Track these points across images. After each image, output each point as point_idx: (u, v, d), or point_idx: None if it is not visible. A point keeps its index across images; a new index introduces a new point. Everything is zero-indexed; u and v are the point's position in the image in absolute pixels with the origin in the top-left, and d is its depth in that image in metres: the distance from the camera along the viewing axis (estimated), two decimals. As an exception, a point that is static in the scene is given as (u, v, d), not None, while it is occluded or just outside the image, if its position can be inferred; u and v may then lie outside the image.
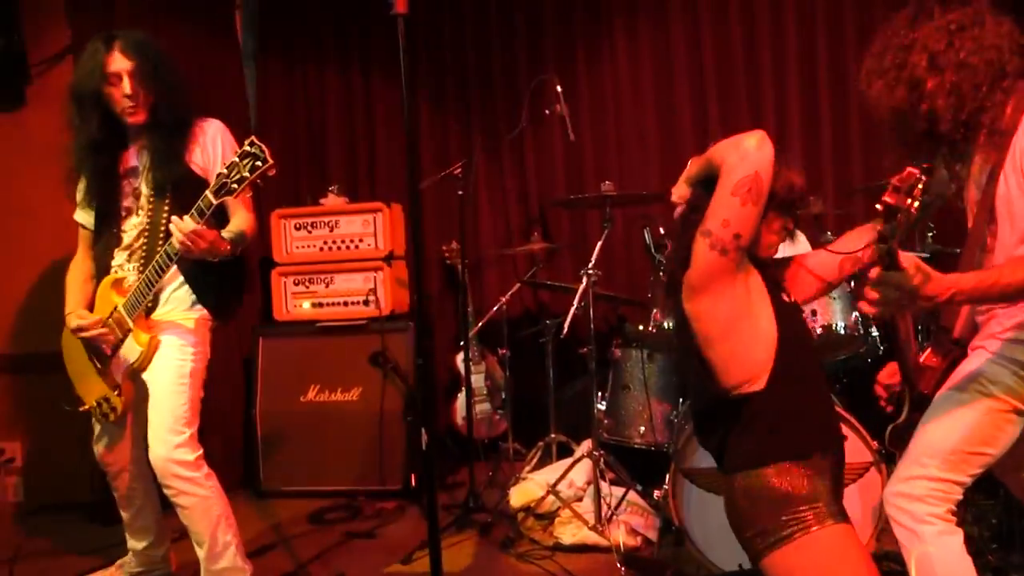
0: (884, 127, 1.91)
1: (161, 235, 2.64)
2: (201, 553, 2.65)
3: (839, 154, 4.21)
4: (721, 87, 4.32)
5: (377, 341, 3.99)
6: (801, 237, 3.73)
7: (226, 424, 4.29)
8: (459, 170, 3.41)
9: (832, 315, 2.84)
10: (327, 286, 4.18)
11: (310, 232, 4.19)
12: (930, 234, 3.49)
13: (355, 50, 4.64)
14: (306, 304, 4.19)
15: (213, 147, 2.71)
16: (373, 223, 4.14)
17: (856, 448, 2.63)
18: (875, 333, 3.03)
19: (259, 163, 2.33)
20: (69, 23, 3.94)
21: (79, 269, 2.87)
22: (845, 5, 4.16)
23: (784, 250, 3.63)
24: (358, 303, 4.13)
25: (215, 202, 2.41)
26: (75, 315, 2.75)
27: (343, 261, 4.17)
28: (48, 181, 3.87)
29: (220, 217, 2.64)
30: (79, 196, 2.83)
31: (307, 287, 4.20)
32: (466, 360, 3.55)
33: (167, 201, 2.66)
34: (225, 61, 4.53)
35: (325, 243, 4.19)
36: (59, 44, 3.88)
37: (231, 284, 2.81)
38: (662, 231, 3.24)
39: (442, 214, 4.51)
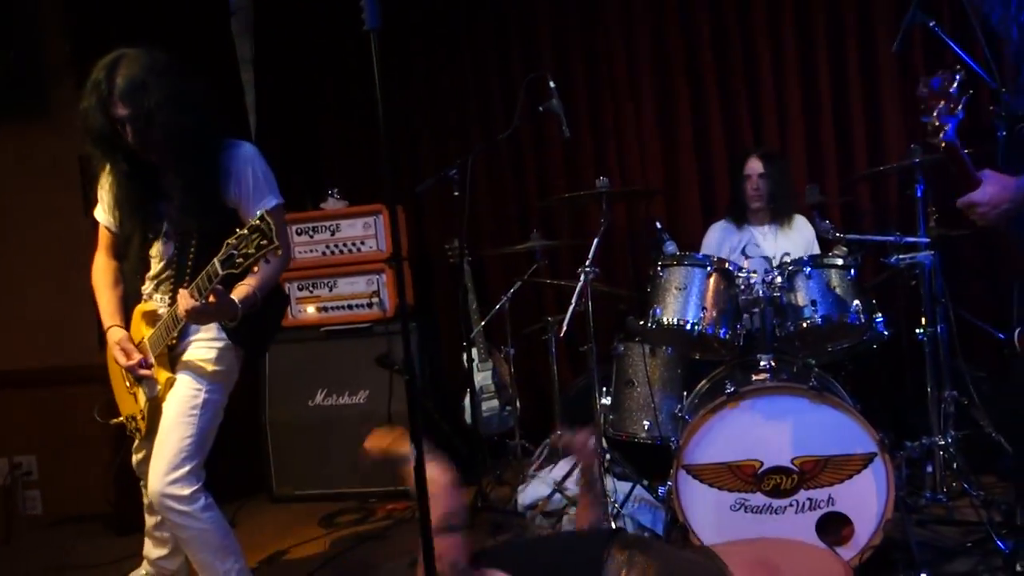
0: None
1: (188, 272, 2.55)
2: None
3: (841, 142, 4.15)
4: (720, 77, 4.28)
5: (382, 343, 4.00)
6: (800, 221, 3.71)
7: (237, 431, 4.30)
8: (455, 171, 3.41)
9: (829, 305, 2.80)
10: (331, 290, 4.20)
11: (312, 236, 4.21)
12: (934, 217, 3.44)
13: (352, 54, 4.62)
14: (311, 309, 4.21)
15: (246, 178, 2.56)
16: (374, 225, 4.15)
17: (860, 438, 2.61)
18: (879, 319, 2.98)
19: (264, 241, 2.20)
20: (67, 35, 3.95)
21: (104, 273, 2.73)
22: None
23: (780, 234, 3.63)
24: (362, 306, 4.15)
25: (221, 273, 2.29)
26: (117, 346, 2.62)
27: (346, 264, 4.18)
28: (56, 194, 3.94)
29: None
30: (101, 193, 2.67)
31: (311, 291, 4.22)
32: (468, 359, 3.55)
33: (194, 240, 2.55)
34: (222, 67, 4.55)
35: (327, 247, 4.20)
36: (60, 57, 3.91)
37: (260, 316, 2.59)
38: (658, 225, 3.23)
39: (444, 214, 4.50)
